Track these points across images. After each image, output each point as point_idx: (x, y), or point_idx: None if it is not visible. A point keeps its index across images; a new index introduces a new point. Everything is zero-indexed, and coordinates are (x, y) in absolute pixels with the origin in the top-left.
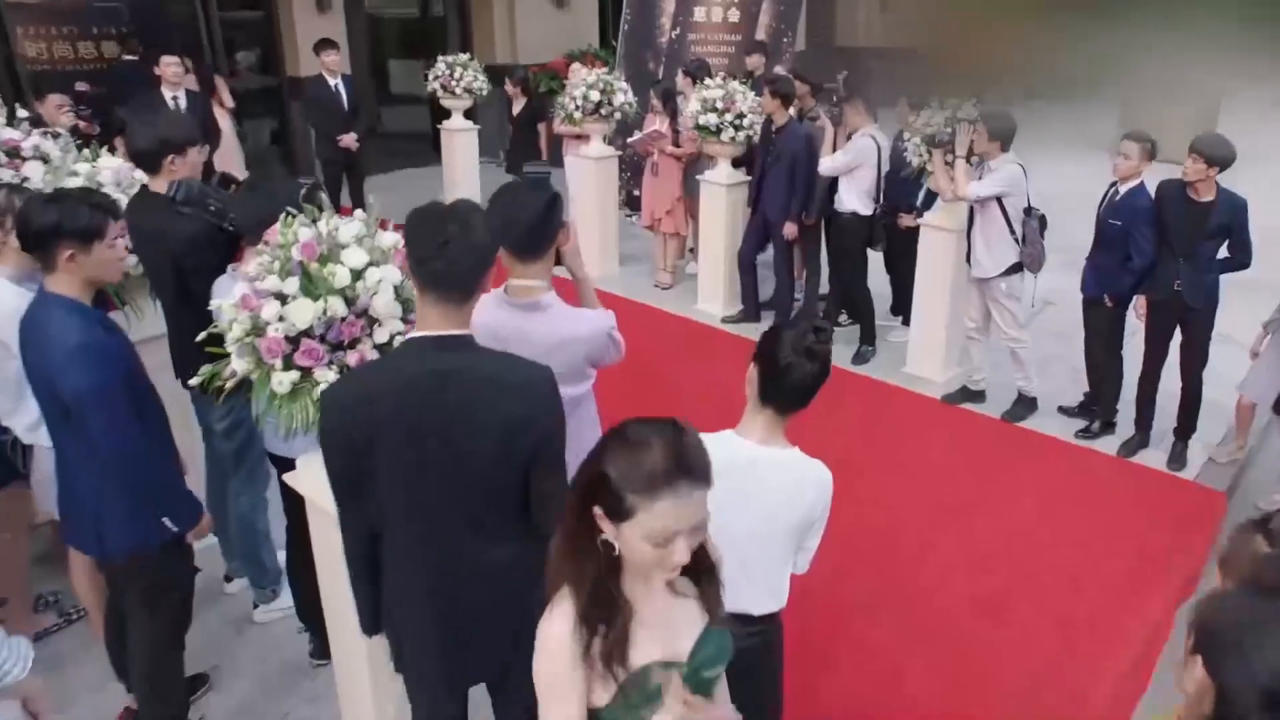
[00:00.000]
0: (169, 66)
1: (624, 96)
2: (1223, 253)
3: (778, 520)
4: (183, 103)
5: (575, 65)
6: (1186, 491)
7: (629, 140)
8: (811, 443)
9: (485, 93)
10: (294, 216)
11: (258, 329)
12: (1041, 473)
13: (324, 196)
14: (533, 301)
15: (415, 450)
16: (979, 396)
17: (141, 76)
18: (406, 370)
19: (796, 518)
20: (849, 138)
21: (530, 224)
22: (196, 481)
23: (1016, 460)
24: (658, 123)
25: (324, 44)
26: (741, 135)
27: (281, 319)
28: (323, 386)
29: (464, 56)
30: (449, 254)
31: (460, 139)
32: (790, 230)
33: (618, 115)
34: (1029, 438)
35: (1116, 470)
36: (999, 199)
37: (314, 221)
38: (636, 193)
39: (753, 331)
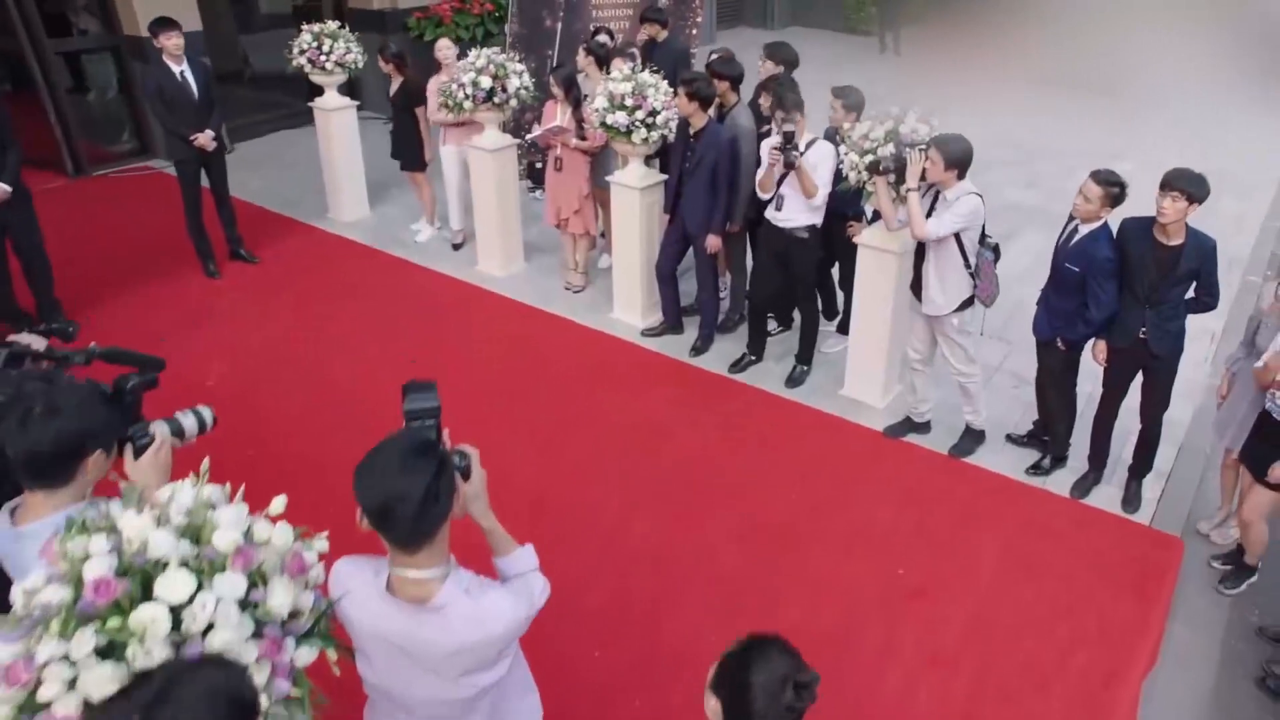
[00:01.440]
0: None
1: (519, 80)
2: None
3: None
4: None
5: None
6: (1143, 540)
7: (527, 136)
8: (754, 500)
9: (360, 65)
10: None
11: (36, 706)
12: (997, 530)
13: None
14: (424, 605)
15: None
16: (924, 428)
17: None
18: None
19: None
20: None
21: (413, 512)
22: None
23: (971, 515)
24: (559, 113)
25: (161, 24)
26: (655, 135)
27: (73, 684)
28: None
29: (333, 25)
30: None
31: (337, 120)
32: (714, 244)
33: (513, 102)
34: (979, 480)
35: (1071, 519)
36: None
37: (112, 525)
38: (540, 165)
39: (675, 346)
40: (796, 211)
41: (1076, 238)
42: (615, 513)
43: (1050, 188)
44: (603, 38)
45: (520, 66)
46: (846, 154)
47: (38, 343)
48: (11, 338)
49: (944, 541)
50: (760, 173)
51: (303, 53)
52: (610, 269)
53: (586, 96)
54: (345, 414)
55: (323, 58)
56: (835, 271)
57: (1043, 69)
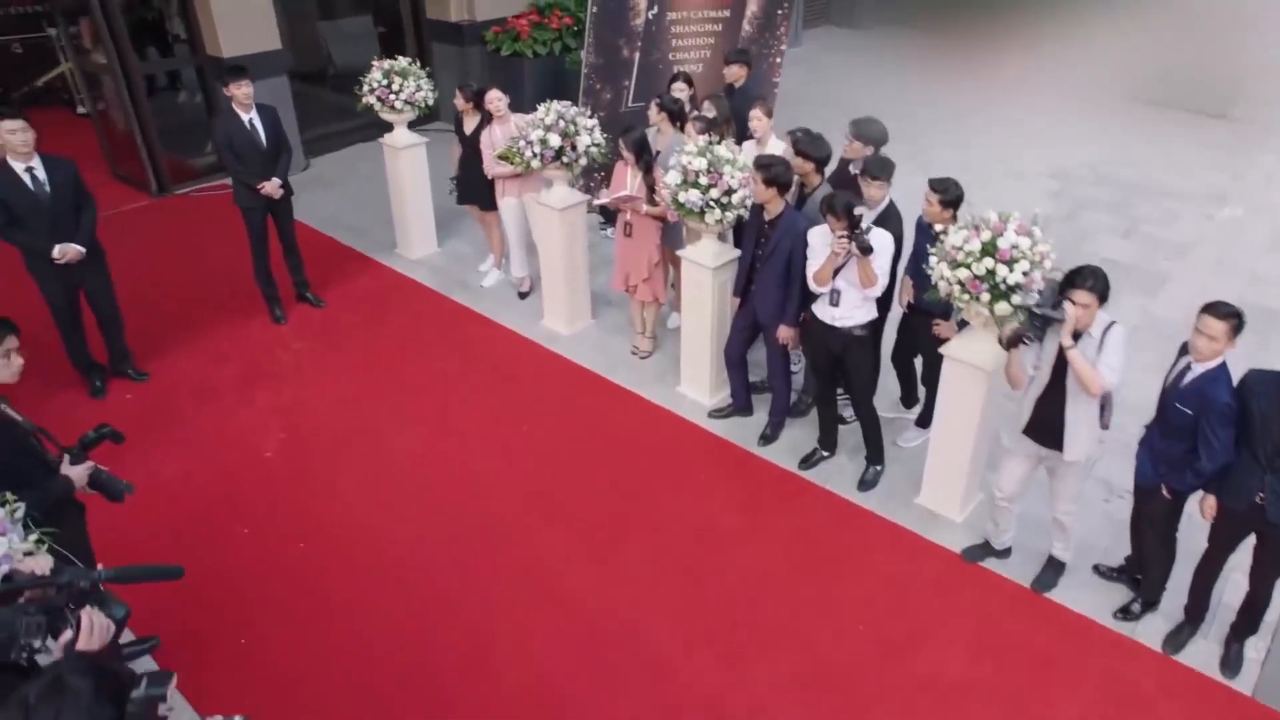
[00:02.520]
0: (12, 134)
1: (589, 138)
2: None
3: None
4: (41, 175)
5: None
6: (1244, 716)
7: (595, 201)
8: (818, 637)
9: (431, 103)
10: None
11: None
12: (1078, 689)
13: None
14: None
15: None
16: (1003, 553)
17: None
18: None
19: None
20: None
21: None
22: None
23: (1050, 666)
24: (629, 177)
25: (232, 73)
26: (730, 216)
27: None
28: None
29: (403, 62)
30: None
31: (406, 158)
32: (785, 335)
33: (583, 161)
34: (1061, 621)
35: (1161, 680)
36: None
37: None
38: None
39: (743, 431)
40: (854, 308)
41: (1190, 377)
42: (670, 646)
43: (1149, 237)
44: (679, 87)
45: (591, 123)
46: (937, 263)
47: (43, 564)
48: (16, 564)
49: (1019, 701)
50: (815, 265)
51: (372, 91)
52: (679, 329)
53: (658, 153)
54: (401, 499)
55: (392, 96)
56: (918, 362)
57: (1144, 86)
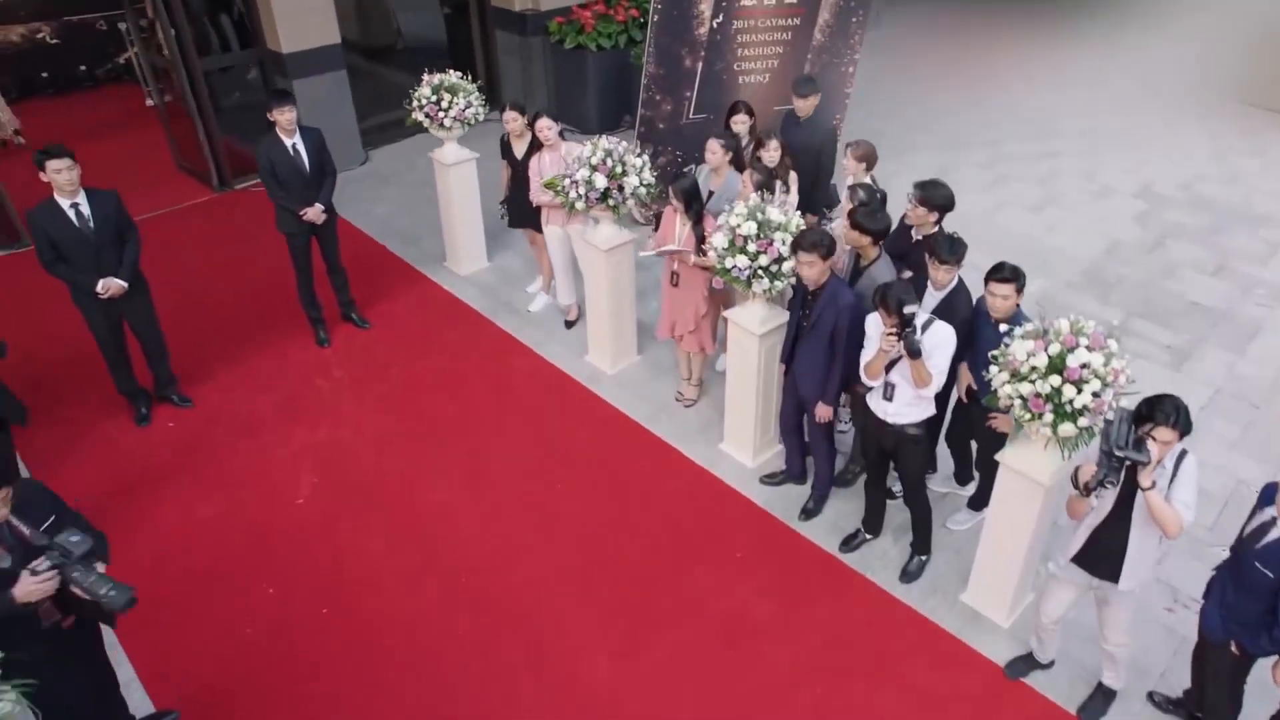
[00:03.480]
0: (58, 172)
1: (637, 178)
2: None
3: None
4: (86, 210)
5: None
6: None
7: (641, 253)
8: None
9: (480, 119)
10: None
11: None
12: None
13: None
14: None
15: None
16: (1048, 666)
17: None
18: None
19: None
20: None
21: None
22: None
23: None
24: (677, 225)
25: (276, 98)
26: (780, 284)
27: None
28: None
29: (453, 77)
30: None
31: (456, 174)
32: (823, 414)
33: (630, 203)
34: None
35: None
36: None
37: None
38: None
39: (786, 501)
40: (908, 405)
41: (1274, 535)
42: None
43: (1242, 276)
44: (739, 119)
45: (640, 161)
46: (998, 371)
47: None
48: None
49: None
50: (867, 356)
51: (420, 108)
52: (726, 373)
53: (711, 194)
54: (426, 564)
55: (441, 114)
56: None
57: (1252, 86)
